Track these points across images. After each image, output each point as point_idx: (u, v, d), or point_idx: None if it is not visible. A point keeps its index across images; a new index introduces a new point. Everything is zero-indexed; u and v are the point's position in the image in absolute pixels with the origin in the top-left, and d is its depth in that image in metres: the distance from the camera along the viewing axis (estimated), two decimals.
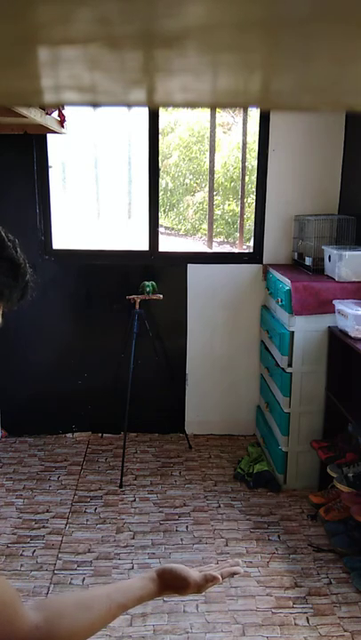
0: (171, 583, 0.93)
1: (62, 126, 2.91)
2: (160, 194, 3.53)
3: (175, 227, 8.80)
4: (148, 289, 3.36)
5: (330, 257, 3.02)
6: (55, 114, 2.78)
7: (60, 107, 2.76)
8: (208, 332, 3.62)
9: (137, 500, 3.00)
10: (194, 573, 0.95)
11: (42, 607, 0.82)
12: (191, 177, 8.71)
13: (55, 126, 2.78)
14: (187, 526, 2.77)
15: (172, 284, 3.52)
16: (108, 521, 2.80)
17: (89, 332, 3.62)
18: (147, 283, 3.39)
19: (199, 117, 8.13)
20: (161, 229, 3.72)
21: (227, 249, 8.25)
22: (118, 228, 8.42)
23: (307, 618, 2.20)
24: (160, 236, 3.59)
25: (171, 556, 2.55)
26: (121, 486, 3.10)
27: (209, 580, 0.95)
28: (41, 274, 3.50)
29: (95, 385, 3.66)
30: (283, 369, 2.97)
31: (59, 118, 2.84)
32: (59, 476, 3.20)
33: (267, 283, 3.44)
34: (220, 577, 0.96)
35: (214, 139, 7.86)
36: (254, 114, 5.11)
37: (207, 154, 8.14)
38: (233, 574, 0.99)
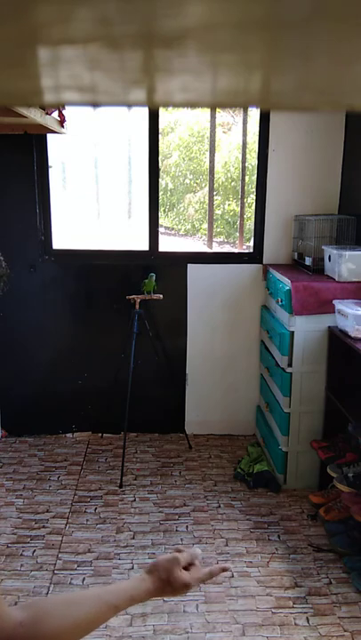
0: (164, 574, 0.89)
1: (62, 126, 2.91)
2: (160, 194, 3.53)
3: (175, 227, 8.80)
4: (151, 283, 3.34)
5: (330, 257, 3.02)
6: (55, 114, 2.78)
7: (60, 107, 2.76)
8: (208, 332, 3.62)
9: (137, 500, 3.00)
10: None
11: (28, 606, 0.81)
12: (191, 177, 8.71)
13: (55, 126, 2.78)
14: (187, 526, 2.77)
15: (172, 283, 3.52)
16: (108, 521, 2.80)
17: (89, 332, 3.62)
18: (147, 280, 3.38)
19: (199, 117, 8.14)
20: (161, 229, 3.72)
21: (227, 249, 8.26)
22: (118, 228, 8.43)
23: (307, 618, 2.20)
24: (160, 236, 3.59)
25: None
26: (121, 486, 3.10)
27: (208, 574, 0.94)
28: (41, 274, 3.51)
29: (95, 385, 3.66)
30: (283, 369, 2.97)
31: (59, 118, 2.84)
32: (59, 476, 3.20)
33: (267, 283, 3.45)
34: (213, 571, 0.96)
35: (214, 139, 7.86)
36: (254, 114, 5.12)
37: (207, 154, 8.14)
38: (223, 570, 0.97)
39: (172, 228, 8.78)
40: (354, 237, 3.12)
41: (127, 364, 3.32)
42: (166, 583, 0.89)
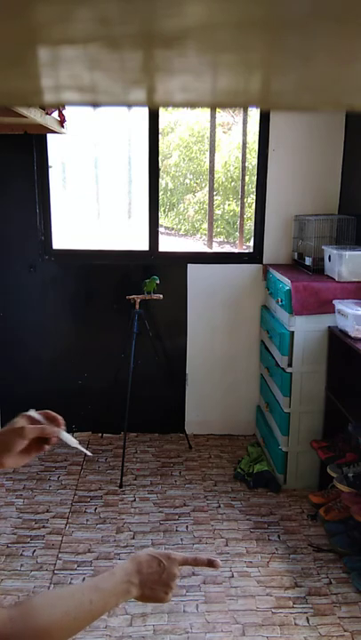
0: (146, 570, 0.90)
1: (62, 126, 2.91)
2: (160, 194, 3.53)
3: (175, 227, 8.80)
4: (154, 284, 3.34)
5: (330, 257, 3.02)
6: (55, 114, 2.78)
7: (60, 107, 2.76)
8: (208, 332, 3.62)
9: (137, 500, 3.00)
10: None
11: (18, 603, 0.81)
12: (191, 177, 8.71)
13: (55, 126, 2.78)
14: (187, 526, 2.77)
15: (172, 284, 3.52)
16: (108, 521, 2.80)
17: (89, 332, 3.62)
18: (148, 280, 3.37)
19: (199, 117, 8.14)
20: (161, 229, 3.72)
21: (227, 249, 8.26)
22: (118, 228, 8.43)
23: (307, 618, 2.20)
24: (160, 236, 3.58)
25: None
26: (121, 486, 3.10)
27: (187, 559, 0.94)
28: (41, 274, 3.51)
29: (95, 385, 3.66)
30: (283, 369, 2.97)
31: (59, 118, 2.83)
32: (59, 476, 3.20)
33: (267, 283, 3.45)
34: (197, 559, 0.95)
35: (214, 139, 7.86)
36: (254, 114, 5.12)
37: (207, 154, 8.14)
38: (211, 563, 0.96)
39: (172, 228, 8.78)
40: (354, 237, 3.12)
41: (127, 363, 3.32)
42: (151, 569, 0.91)
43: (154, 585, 0.91)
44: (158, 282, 3.35)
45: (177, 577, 0.93)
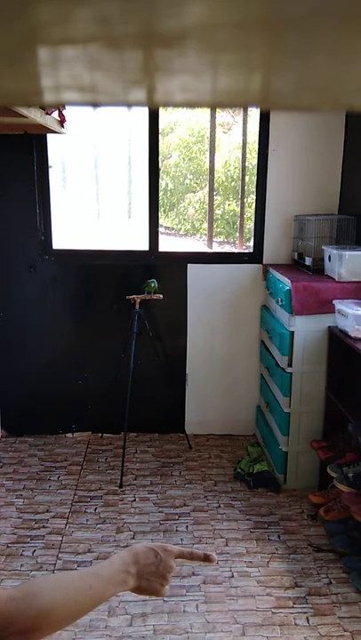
0: (143, 561, 0.90)
1: (62, 126, 2.91)
2: (160, 194, 3.53)
3: (175, 227, 8.79)
4: (151, 286, 3.35)
5: (330, 257, 3.02)
6: (55, 114, 2.78)
7: (60, 107, 2.76)
8: (208, 332, 3.62)
9: (137, 500, 3.00)
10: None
11: (20, 584, 0.81)
12: (191, 177, 8.71)
13: (55, 126, 2.78)
14: (187, 526, 2.77)
15: (172, 284, 3.52)
16: (108, 521, 2.80)
17: (89, 332, 3.62)
18: (149, 280, 3.38)
19: (199, 117, 8.14)
20: (161, 229, 3.72)
21: (227, 249, 8.25)
22: (118, 228, 8.42)
23: (307, 618, 2.20)
24: (160, 236, 3.59)
25: None
26: (121, 486, 3.10)
27: (183, 552, 0.94)
28: (41, 274, 3.51)
29: (95, 385, 3.66)
30: (283, 369, 2.97)
31: (59, 118, 2.83)
32: (59, 476, 3.20)
33: (267, 283, 3.45)
34: (192, 553, 0.95)
35: (214, 139, 7.86)
36: (254, 114, 5.12)
37: (207, 154, 8.13)
38: (207, 558, 0.96)
39: (172, 228, 8.77)
40: (354, 237, 3.12)
41: (127, 363, 3.32)
42: (148, 561, 0.91)
43: (150, 576, 0.90)
44: (155, 285, 3.36)
45: (173, 569, 0.93)
